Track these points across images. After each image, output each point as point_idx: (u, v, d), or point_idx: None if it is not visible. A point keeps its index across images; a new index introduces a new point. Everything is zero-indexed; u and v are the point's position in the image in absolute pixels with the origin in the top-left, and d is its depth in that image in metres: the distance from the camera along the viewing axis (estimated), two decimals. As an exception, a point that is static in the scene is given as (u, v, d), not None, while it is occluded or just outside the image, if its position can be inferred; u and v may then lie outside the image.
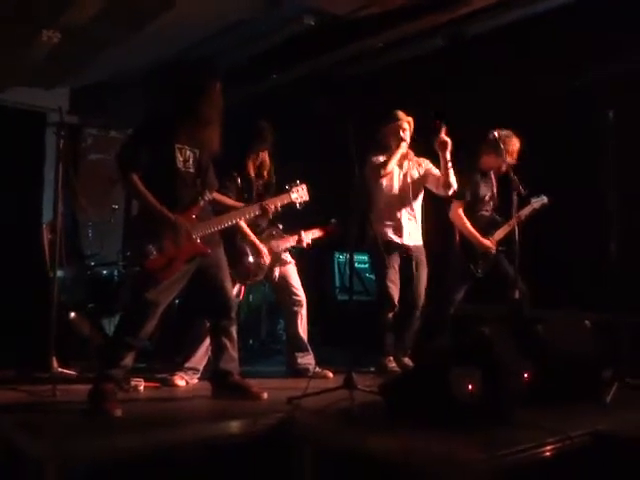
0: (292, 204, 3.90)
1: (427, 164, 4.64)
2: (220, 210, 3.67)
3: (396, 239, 4.51)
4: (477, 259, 4.60)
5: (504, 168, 4.49)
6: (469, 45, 5.26)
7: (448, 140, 4.29)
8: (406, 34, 5.32)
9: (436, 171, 4.54)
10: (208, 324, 3.78)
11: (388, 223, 4.52)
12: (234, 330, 3.61)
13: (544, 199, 4.60)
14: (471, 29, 5.22)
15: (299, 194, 3.89)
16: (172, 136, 3.36)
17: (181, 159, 3.37)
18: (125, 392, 3.46)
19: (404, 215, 4.55)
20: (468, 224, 4.63)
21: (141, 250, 3.24)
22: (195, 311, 3.97)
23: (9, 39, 5.13)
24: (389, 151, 4.53)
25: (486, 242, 4.59)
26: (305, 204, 3.93)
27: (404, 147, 4.51)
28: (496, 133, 4.43)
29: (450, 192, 4.46)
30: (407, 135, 4.52)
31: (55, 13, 4.79)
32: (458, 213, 4.65)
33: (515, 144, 4.51)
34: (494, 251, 4.60)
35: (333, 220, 4.53)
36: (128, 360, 3.27)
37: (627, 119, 3.86)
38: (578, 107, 4.74)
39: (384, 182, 4.53)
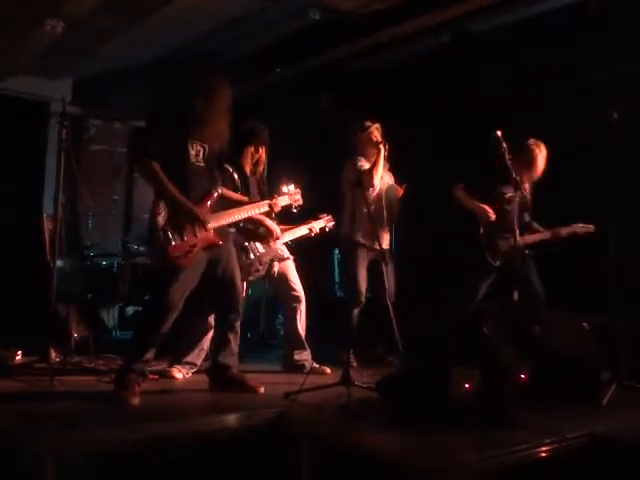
0: (289, 206, 4.06)
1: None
2: (223, 204, 3.68)
3: (367, 241, 4.53)
4: (493, 247, 4.59)
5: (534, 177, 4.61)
6: (473, 42, 5.24)
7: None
8: (411, 31, 5.29)
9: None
10: (212, 317, 3.83)
11: (367, 225, 4.49)
12: (238, 325, 3.64)
13: (590, 228, 4.55)
14: (476, 26, 5.20)
15: (294, 198, 4.07)
16: (185, 130, 3.41)
17: (193, 153, 3.42)
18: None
19: (381, 218, 4.60)
20: (468, 197, 4.65)
21: (163, 238, 3.27)
22: (200, 305, 3.97)
23: (12, 28, 5.11)
24: (369, 158, 4.59)
25: (484, 207, 4.58)
26: (299, 208, 4.12)
27: (382, 151, 4.53)
28: (532, 143, 4.54)
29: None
30: (379, 136, 4.58)
31: (58, 2, 4.77)
32: (460, 189, 4.67)
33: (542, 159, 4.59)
34: (493, 217, 4.58)
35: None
36: (150, 354, 3.38)
37: (630, 120, 3.85)
38: (581, 108, 4.72)
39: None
